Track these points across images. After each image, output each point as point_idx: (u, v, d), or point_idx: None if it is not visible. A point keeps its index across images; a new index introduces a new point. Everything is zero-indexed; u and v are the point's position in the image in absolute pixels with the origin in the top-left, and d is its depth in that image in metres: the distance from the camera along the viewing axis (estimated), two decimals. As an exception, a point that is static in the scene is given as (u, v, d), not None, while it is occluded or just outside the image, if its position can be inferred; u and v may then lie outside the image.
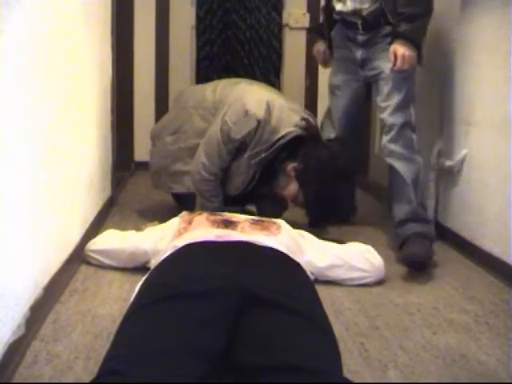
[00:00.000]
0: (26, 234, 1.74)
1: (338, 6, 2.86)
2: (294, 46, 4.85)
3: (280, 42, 4.79)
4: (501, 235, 2.49)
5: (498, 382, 1.66)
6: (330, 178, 2.68)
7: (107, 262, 2.42)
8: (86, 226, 2.62)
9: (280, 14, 4.77)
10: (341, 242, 2.46)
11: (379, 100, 2.80)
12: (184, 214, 2.29)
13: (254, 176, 2.83)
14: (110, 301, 2.10)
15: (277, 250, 1.86)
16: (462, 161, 2.80)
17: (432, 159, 2.98)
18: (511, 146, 2.42)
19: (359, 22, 2.79)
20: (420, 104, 2.87)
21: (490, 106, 2.59)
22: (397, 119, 2.70)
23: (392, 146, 2.73)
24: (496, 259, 2.50)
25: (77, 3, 2.42)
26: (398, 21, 2.65)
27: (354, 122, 3.07)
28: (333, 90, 3.06)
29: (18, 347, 1.62)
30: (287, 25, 4.81)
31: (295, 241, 2.19)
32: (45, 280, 1.94)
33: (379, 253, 2.37)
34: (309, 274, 1.98)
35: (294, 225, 2.30)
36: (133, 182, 4.29)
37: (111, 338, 1.47)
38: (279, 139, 2.75)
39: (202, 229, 2.04)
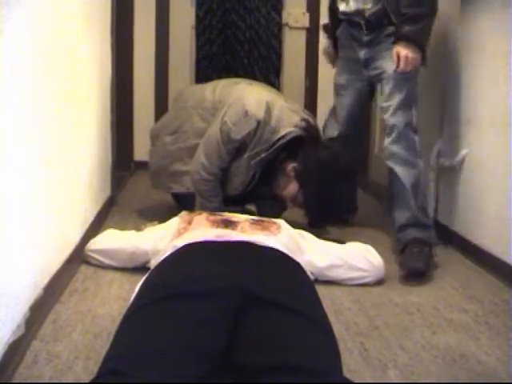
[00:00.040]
0: (25, 234, 1.74)
1: (342, 7, 2.86)
2: (294, 46, 4.85)
3: (280, 41, 4.79)
4: (501, 235, 2.49)
5: (498, 381, 1.66)
6: (329, 179, 2.69)
7: (107, 261, 2.42)
8: (86, 225, 2.62)
9: (280, 14, 4.77)
10: (341, 241, 2.46)
11: (381, 100, 2.78)
12: (184, 213, 2.29)
13: (254, 176, 2.83)
14: (110, 301, 2.10)
15: (277, 250, 1.86)
16: (462, 161, 2.80)
17: (432, 159, 2.98)
18: (511, 145, 2.42)
19: (362, 22, 2.78)
20: (420, 104, 2.86)
21: (490, 106, 2.59)
22: (398, 120, 2.68)
23: (393, 148, 2.70)
24: (496, 259, 2.50)
25: (77, 3, 2.42)
26: (401, 22, 2.62)
27: (357, 121, 3.07)
28: (337, 89, 3.05)
29: (17, 347, 1.62)
30: (287, 24, 4.81)
31: (295, 241, 2.20)
32: (45, 280, 1.94)
33: (379, 253, 2.38)
34: (309, 273, 1.98)
35: (294, 225, 2.30)
36: (132, 181, 4.29)
37: (111, 337, 1.46)
38: (279, 139, 2.75)
39: (201, 229, 2.04)
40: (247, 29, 4.76)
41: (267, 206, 2.90)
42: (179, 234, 2.07)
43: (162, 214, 2.89)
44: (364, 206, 3.40)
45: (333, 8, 2.97)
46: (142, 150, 4.15)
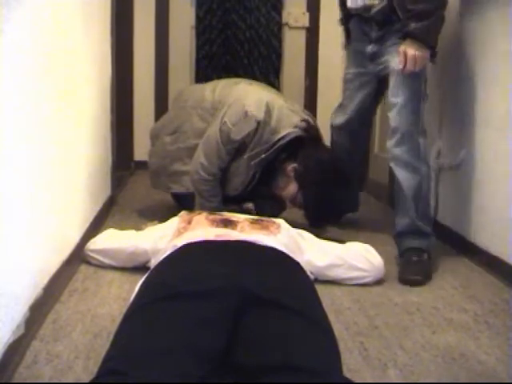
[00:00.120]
0: (25, 234, 1.74)
1: (349, 3, 2.81)
2: (294, 46, 4.86)
3: (280, 41, 4.80)
4: (501, 235, 2.49)
5: (498, 381, 1.66)
6: (329, 179, 2.69)
7: (107, 261, 2.42)
8: (86, 225, 2.63)
9: (279, 14, 4.78)
10: (341, 241, 2.46)
11: (388, 96, 2.69)
12: (183, 213, 2.29)
13: (254, 177, 2.83)
14: (110, 300, 2.10)
15: (276, 250, 1.86)
16: (462, 160, 2.80)
17: (432, 159, 2.98)
18: (511, 145, 2.42)
19: (371, 18, 2.73)
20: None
21: (490, 106, 2.59)
22: (402, 120, 2.57)
23: (396, 151, 2.60)
24: (496, 259, 2.50)
25: (77, 3, 2.42)
26: (406, 18, 2.52)
27: (365, 116, 3.01)
28: (345, 82, 3.01)
29: (17, 347, 1.62)
30: (287, 24, 4.82)
31: (295, 240, 2.20)
32: (44, 280, 1.94)
33: (379, 252, 2.38)
34: (308, 273, 1.98)
35: (294, 225, 2.30)
36: (132, 181, 4.29)
37: (111, 337, 1.46)
38: (279, 140, 2.76)
39: (201, 228, 2.04)
40: (247, 28, 4.77)
41: (267, 205, 2.90)
42: (179, 233, 2.08)
43: (161, 214, 2.89)
44: (364, 205, 3.39)
45: (343, 2, 2.89)
46: (141, 149, 4.16)
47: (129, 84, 4.56)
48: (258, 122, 2.74)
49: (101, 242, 2.46)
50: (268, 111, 2.77)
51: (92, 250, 2.45)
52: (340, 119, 3.02)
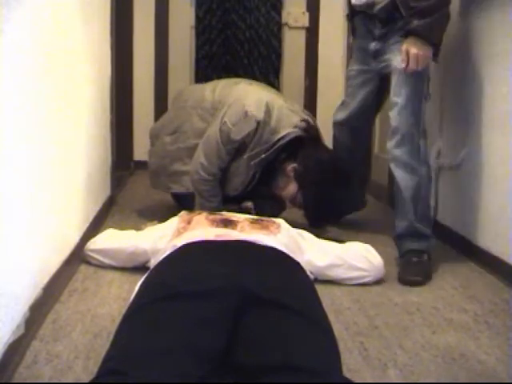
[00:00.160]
0: (25, 233, 1.74)
1: (353, 0, 2.80)
2: (294, 46, 4.86)
3: (279, 41, 4.80)
4: (501, 235, 2.49)
5: (498, 381, 1.66)
6: (329, 180, 2.69)
7: (107, 261, 2.42)
8: (86, 225, 2.63)
9: (279, 13, 4.78)
10: (340, 241, 2.46)
11: (390, 95, 2.65)
12: (183, 213, 2.29)
13: (254, 176, 2.84)
14: (110, 300, 2.10)
15: (276, 250, 1.86)
16: (462, 160, 2.80)
17: (432, 159, 2.98)
18: (511, 145, 2.42)
19: (374, 15, 2.71)
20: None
21: (490, 106, 2.59)
22: (403, 120, 2.54)
23: (395, 152, 2.57)
24: (496, 259, 2.50)
25: (76, 4, 2.42)
26: (409, 16, 2.48)
27: (367, 113, 2.97)
28: (348, 79, 2.99)
29: (17, 347, 1.62)
30: (286, 24, 4.82)
31: (295, 240, 2.20)
32: (44, 280, 1.94)
33: (379, 252, 2.38)
34: (308, 273, 1.98)
35: (294, 225, 2.30)
36: (132, 181, 4.29)
37: (111, 337, 1.46)
38: (279, 140, 2.76)
39: (201, 228, 2.04)
40: (247, 28, 4.77)
41: (267, 205, 2.90)
42: (179, 233, 2.08)
43: (161, 214, 2.89)
44: (364, 205, 3.39)
45: None
46: (141, 149, 4.16)
47: (128, 84, 4.56)
48: (258, 122, 2.74)
49: (101, 241, 2.46)
50: (268, 111, 2.77)
51: (92, 250, 2.45)
52: (341, 115, 3.01)
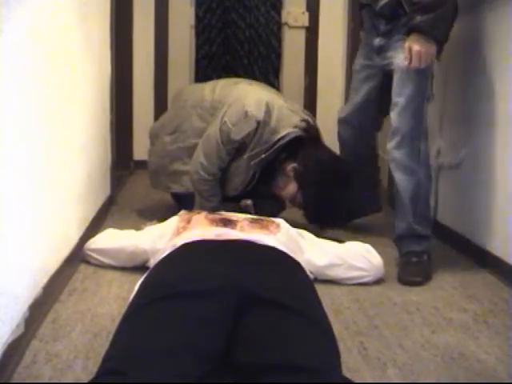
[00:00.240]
0: (25, 233, 1.74)
1: None
2: (293, 45, 4.86)
3: (279, 40, 4.79)
4: (501, 234, 2.49)
5: (498, 381, 1.66)
6: (329, 180, 2.69)
7: (106, 261, 2.42)
8: (86, 225, 2.63)
9: (279, 13, 4.77)
10: (340, 241, 2.46)
11: (392, 94, 2.60)
12: (183, 212, 2.29)
13: (254, 176, 2.83)
14: (110, 300, 2.10)
15: (276, 249, 1.86)
16: (462, 159, 2.80)
17: (432, 158, 2.97)
18: (511, 144, 2.42)
19: (379, 11, 2.66)
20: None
21: (490, 105, 2.59)
22: (403, 121, 2.50)
23: (395, 153, 2.54)
24: (495, 258, 2.50)
25: (76, 3, 2.42)
26: (412, 12, 2.42)
27: (370, 109, 2.90)
28: (353, 73, 2.95)
29: (17, 347, 1.62)
30: (286, 23, 4.81)
31: (294, 240, 2.20)
32: (44, 279, 1.94)
33: (378, 252, 2.38)
34: (308, 273, 1.98)
35: (294, 224, 2.30)
36: (132, 180, 4.29)
37: (110, 337, 1.47)
38: (279, 140, 2.75)
39: (201, 228, 2.04)
40: (247, 28, 4.76)
41: (266, 205, 2.90)
42: (178, 232, 2.08)
43: (161, 214, 2.89)
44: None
45: None
46: (141, 149, 4.16)
47: (128, 83, 4.56)
48: (258, 122, 2.74)
49: (100, 241, 2.46)
50: (268, 111, 2.77)
51: (91, 250, 2.45)
52: (345, 110, 2.98)
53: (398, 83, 2.55)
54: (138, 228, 2.55)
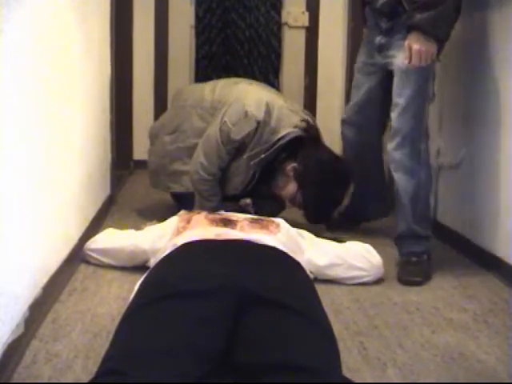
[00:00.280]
0: (25, 233, 1.74)
1: None
2: (293, 45, 4.85)
3: (279, 40, 4.79)
4: (501, 234, 2.49)
5: (498, 381, 1.66)
6: (329, 179, 2.69)
7: (106, 261, 2.42)
8: (85, 225, 2.63)
9: (279, 13, 4.77)
10: (340, 241, 2.46)
11: (392, 95, 2.58)
12: (183, 212, 2.29)
13: (254, 176, 2.84)
14: (110, 300, 2.10)
15: (276, 249, 1.86)
16: (462, 159, 2.80)
17: (432, 158, 2.97)
18: (511, 144, 2.42)
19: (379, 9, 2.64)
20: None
21: (490, 105, 2.59)
22: (404, 122, 2.48)
23: (396, 154, 2.53)
24: (495, 258, 2.50)
25: (76, 3, 2.42)
26: (412, 10, 2.39)
27: (371, 108, 2.85)
28: (355, 71, 2.91)
29: (17, 347, 1.62)
30: (286, 23, 4.81)
31: (294, 239, 2.20)
32: (44, 279, 1.94)
33: (378, 252, 2.38)
34: (308, 272, 1.98)
35: (294, 224, 2.30)
36: (132, 180, 4.29)
37: (110, 337, 1.47)
38: (279, 140, 2.75)
39: (200, 227, 2.04)
40: (247, 28, 4.76)
41: (266, 205, 2.90)
42: (178, 232, 2.08)
43: (161, 214, 2.89)
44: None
45: None
46: (141, 148, 4.15)
47: (128, 83, 4.56)
48: (258, 122, 2.74)
49: (100, 241, 2.46)
50: (268, 111, 2.77)
51: (91, 250, 2.45)
52: (347, 112, 2.95)
53: (398, 84, 2.53)
54: (137, 228, 2.55)
